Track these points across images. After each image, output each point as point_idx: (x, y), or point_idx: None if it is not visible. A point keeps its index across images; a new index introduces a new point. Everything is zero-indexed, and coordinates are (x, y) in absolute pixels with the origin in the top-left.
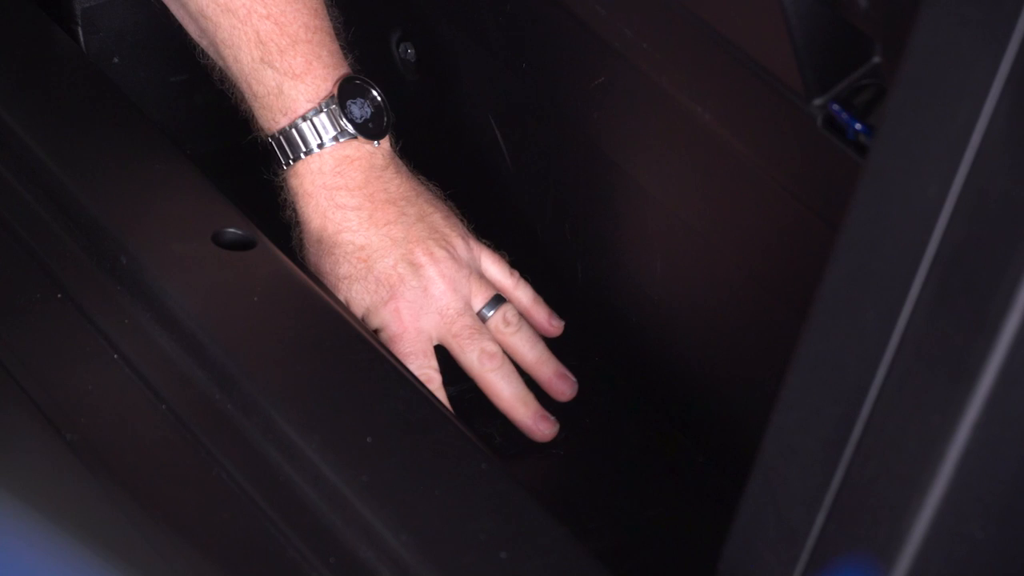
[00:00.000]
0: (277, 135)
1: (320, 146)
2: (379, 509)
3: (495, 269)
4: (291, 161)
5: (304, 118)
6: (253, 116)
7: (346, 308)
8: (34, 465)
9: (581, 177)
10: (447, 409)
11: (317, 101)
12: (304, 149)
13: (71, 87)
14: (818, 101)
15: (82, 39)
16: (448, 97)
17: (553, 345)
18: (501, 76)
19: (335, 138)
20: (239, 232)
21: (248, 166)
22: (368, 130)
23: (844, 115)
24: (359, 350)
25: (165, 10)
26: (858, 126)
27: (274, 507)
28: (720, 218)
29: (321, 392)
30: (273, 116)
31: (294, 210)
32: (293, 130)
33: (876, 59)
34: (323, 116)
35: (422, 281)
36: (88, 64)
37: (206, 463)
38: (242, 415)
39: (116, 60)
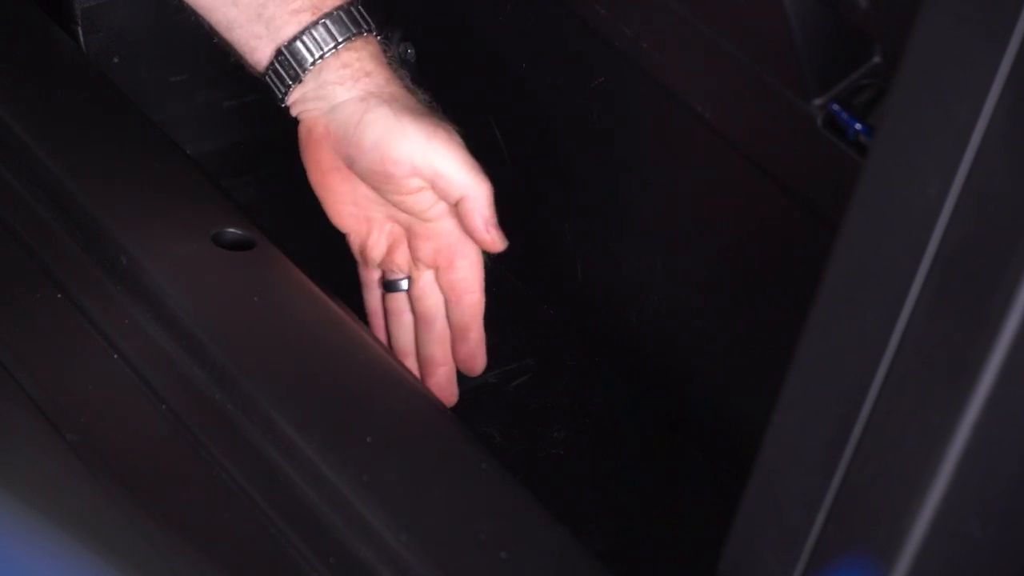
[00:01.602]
0: None
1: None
2: (379, 509)
3: None
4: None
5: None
6: None
7: (346, 308)
8: (34, 465)
9: (581, 177)
10: (447, 409)
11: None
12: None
13: (71, 87)
14: (818, 101)
15: (82, 39)
16: (448, 97)
17: (554, 345)
18: (501, 76)
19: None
20: (239, 232)
21: (248, 166)
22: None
23: (844, 115)
24: (359, 350)
25: (166, 9)
26: (858, 126)
27: (274, 507)
28: (720, 218)
29: (321, 392)
30: None
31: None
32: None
33: (876, 59)
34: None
35: None
36: (88, 64)
37: (206, 463)
38: (242, 415)
39: (116, 60)
